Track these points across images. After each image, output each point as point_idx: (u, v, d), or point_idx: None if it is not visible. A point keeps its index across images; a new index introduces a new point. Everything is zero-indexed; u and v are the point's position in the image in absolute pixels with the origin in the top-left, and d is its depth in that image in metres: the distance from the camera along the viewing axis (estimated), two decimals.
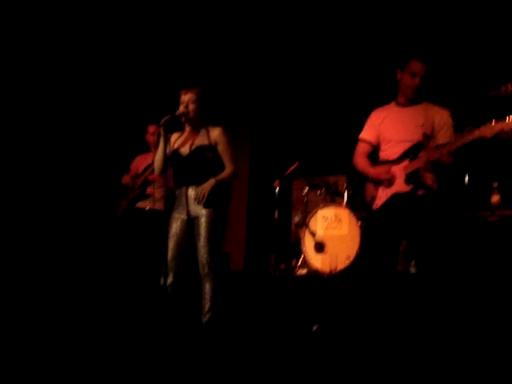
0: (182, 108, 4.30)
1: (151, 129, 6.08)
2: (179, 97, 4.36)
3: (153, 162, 5.78)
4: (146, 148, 6.18)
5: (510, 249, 4.94)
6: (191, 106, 4.31)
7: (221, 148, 4.33)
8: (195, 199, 4.23)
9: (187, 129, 4.46)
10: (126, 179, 6.05)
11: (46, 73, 6.61)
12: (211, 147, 4.31)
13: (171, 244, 4.28)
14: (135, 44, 6.94)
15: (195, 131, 4.40)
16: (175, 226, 4.32)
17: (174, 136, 4.48)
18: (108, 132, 7.19)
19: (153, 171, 5.77)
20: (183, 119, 4.33)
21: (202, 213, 4.23)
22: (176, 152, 4.35)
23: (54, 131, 6.71)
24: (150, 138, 6.08)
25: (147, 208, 5.89)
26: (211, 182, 4.23)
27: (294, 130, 8.17)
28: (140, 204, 5.93)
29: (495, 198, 5.41)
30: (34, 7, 6.08)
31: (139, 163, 6.13)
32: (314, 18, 6.56)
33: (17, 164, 6.37)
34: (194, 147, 4.32)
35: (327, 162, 7.63)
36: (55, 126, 6.73)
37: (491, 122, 3.56)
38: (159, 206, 5.88)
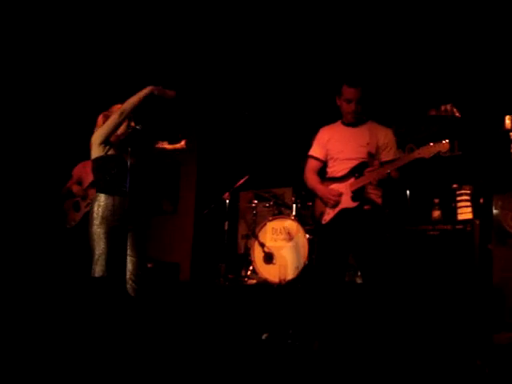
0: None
1: None
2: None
3: None
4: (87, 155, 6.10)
5: (449, 260, 5.19)
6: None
7: None
8: None
9: None
10: (76, 189, 5.85)
11: None
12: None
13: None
14: (85, 50, 6.87)
15: None
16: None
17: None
18: (49, 135, 7.07)
19: None
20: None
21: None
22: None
23: None
24: None
25: None
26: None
27: (241, 142, 8.30)
28: None
29: (436, 213, 5.68)
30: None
31: (82, 171, 5.92)
32: (261, 33, 6.64)
33: None
34: None
35: (274, 175, 7.81)
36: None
37: (429, 144, 3.86)
38: None
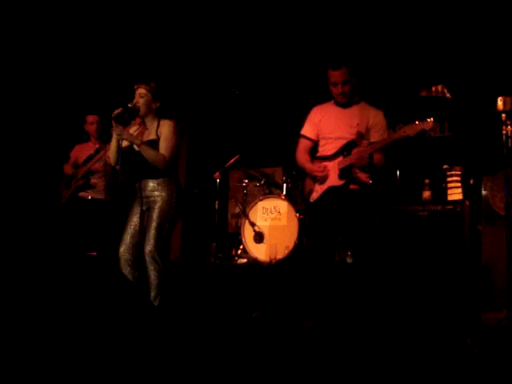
0: (134, 101, 4.37)
1: (90, 118, 6.07)
2: (134, 91, 4.43)
3: (94, 152, 5.86)
4: (85, 137, 6.17)
5: (439, 241, 5.24)
6: (141, 101, 4.38)
7: (162, 137, 4.36)
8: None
9: (142, 123, 4.52)
10: (67, 168, 6.00)
11: None
12: (157, 142, 4.36)
13: (125, 236, 4.36)
14: (77, 34, 6.84)
15: (148, 126, 4.48)
16: (132, 219, 4.40)
17: (132, 129, 4.53)
18: (46, 121, 7.09)
19: (96, 161, 5.83)
20: (136, 111, 4.39)
21: (155, 205, 4.32)
22: (130, 146, 4.41)
23: None
24: (90, 128, 6.07)
25: (89, 197, 5.90)
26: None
27: (231, 122, 8.30)
28: (82, 194, 5.92)
29: (426, 194, 5.71)
30: None
31: (78, 152, 6.11)
32: (252, 13, 6.61)
33: None
34: (144, 142, 4.38)
35: (264, 154, 7.81)
36: None
37: (414, 123, 3.88)
38: (101, 195, 5.91)
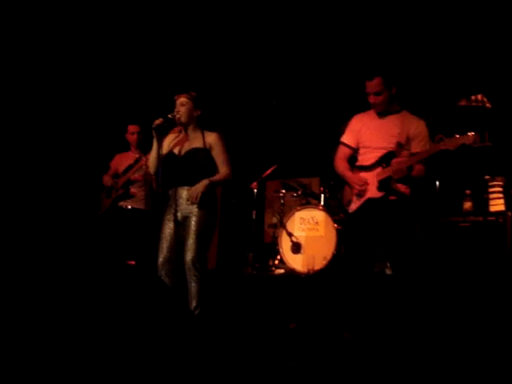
0: (175, 111, 4.42)
1: (131, 128, 6.12)
2: (174, 101, 4.47)
3: (134, 162, 5.90)
4: (126, 147, 6.23)
5: (481, 252, 5.15)
6: (182, 109, 4.42)
7: (215, 152, 4.44)
8: (188, 199, 4.33)
9: (183, 131, 4.56)
10: (106, 179, 6.05)
11: (25, 71, 6.57)
12: (205, 150, 4.41)
13: (163, 246, 4.37)
14: (116, 45, 6.94)
15: (190, 134, 4.51)
16: (167, 229, 4.40)
17: (170, 137, 4.58)
18: (87, 131, 7.18)
19: (136, 171, 5.88)
20: (177, 122, 4.43)
21: (192, 213, 4.33)
22: (170, 153, 4.45)
23: (33, 130, 6.67)
24: (130, 138, 6.13)
25: (129, 207, 5.94)
26: (205, 182, 4.32)
27: (269, 132, 8.29)
28: (122, 203, 5.96)
29: (467, 205, 5.63)
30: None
31: (118, 162, 6.16)
32: (289, 21, 6.63)
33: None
34: (187, 149, 4.43)
35: (301, 165, 7.79)
36: (35, 126, 6.69)
37: (455, 136, 3.83)
38: (141, 205, 5.95)
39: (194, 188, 4.31)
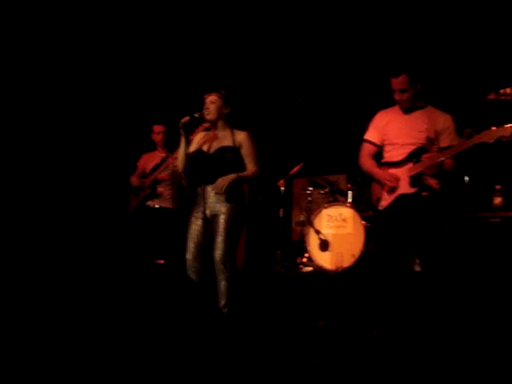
0: (204, 109, 4.44)
1: (157, 128, 6.15)
2: (203, 99, 4.49)
3: (161, 161, 5.94)
4: (152, 147, 6.27)
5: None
6: (212, 107, 4.44)
7: (244, 151, 4.44)
8: (213, 189, 4.33)
9: (212, 130, 4.57)
10: (134, 179, 6.09)
11: (54, 73, 6.65)
12: (234, 149, 4.41)
13: (191, 244, 4.37)
14: (142, 45, 6.98)
15: (219, 132, 4.52)
16: (194, 227, 4.39)
17: (199, 135, 4.61)
18: (114, 131, 7.24)
19: (163, 170, 5.91)
20: (205, 120, 4.45)
21: (220, 210, 4.34)
22: (199, 151, 4.47)
23: (61, 131, 6.76)
24: (156, 137, 6.16)
25: (156, 206, 5.98)
26: (232, 175, 4.32)
27: (294, 129, 8.27)
28: (149, 202, 5.99)
29: (498, 200, 5.55)
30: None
31: (145, 162, 6.20)
32: (315, 18, 6.61)
33: (26, 165, 6.42)
34: (216, 147, 4.44)
35: (327, 162, 7.76)
36: (62, 127, 6.78)
37: (491, 128, 3.75)
38: (168, 204, 5.98)
39: (220, 179, 4.31)
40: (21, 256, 5.95)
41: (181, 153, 4.46)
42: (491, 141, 3.75)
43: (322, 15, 6.46)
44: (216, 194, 4.32)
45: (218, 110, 4.45)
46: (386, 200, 4.22)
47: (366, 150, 4.43)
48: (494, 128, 3.75)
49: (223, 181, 4.30)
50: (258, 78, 7.86)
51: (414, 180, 4.09)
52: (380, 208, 4.26)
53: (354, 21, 6.51)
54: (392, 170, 4.21)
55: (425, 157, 4.05)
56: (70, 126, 6.86)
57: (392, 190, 4.16)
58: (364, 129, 4.53)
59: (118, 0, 6.27)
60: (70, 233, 6.54)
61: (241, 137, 4.46)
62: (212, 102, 4.44)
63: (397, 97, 4.18)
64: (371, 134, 4.42)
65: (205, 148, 4.49)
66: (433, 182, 4.13)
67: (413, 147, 4.13)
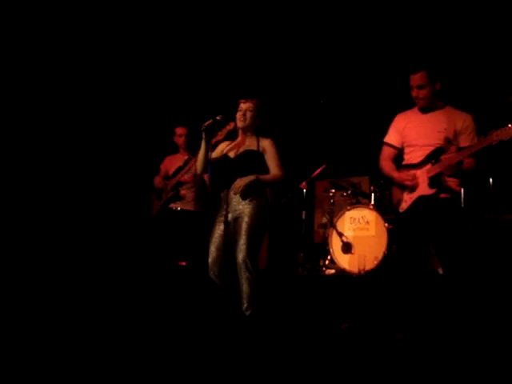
0: (238, 115, 4.49)
1: (179, 131, 6.18)
2: (237, 105, 4.54)
3: (183, 163, 5.97)
4: (175, 149, 6.30)
5: None
6: (248, 115, 4.49)
7: (268, 156, 4.48)
8: (231, 189, 4.37)
9: (240, 136, 4.62)
10: (157, 181, 6.15)
11: (76, 77, 6.71)
12: (258, 153, 4.45)
13: (213, 247, 4.41)
14: (167, 49, 7.04)
15: (247, 139, 4.57)
16: (217, 230, 4.43)
17: (225, 143, 4.66)
18: (138, 134, 7.30)
19: (185, 173, 5.94)
20: (239, 126, 4.52)
21: (243, 213, 4.36)
22: (224, 156, 4.53)
23: (83, 134, 6.82)
24: (179, 140, 6.20)
25: (179, 208, 6.00)
26: (252, 176, 4.36)
27: (317, 131, 8.27)
28: (172, 205, 6.02)
29: None
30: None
31: (168, 164, 6.24)
32: (337, 22, 6.61)
33: (47, 166, 6.48)
34: (241, 151, 4.48)
35: (350, 163, 7.75)
36: (84, 129, 6.84)
37: (507, 126, 3.72)
38: (190, 206, 6.01)
39: (238, 179, 4.35)
40: (43, 257, 6.00)
41: (200, 155, 4.50)
42: (507, 138, 3.73)
43: (344, 18, 6.46)
44: (234, 194, 4.35)
45: (252, 119, 4.53)
46: (405, 202, 4.21)
47: (386, 153, 4.44)
48: (510, 125, 3.72)
49: (241, 181, 4.34)
50: (281, 80, 7.87)
51: (433, 181, 4.07)
52: (401, 211, 4.25)
53: (376, 22, 6.49)
54: (412, 172, 4.20)
55: (443, 157, 4.03)
56: (95, 129, 6.92)
57: (412, 189, 4.15)
58: (386, 130, 4.52)
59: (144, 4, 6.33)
60: (93, 234, 6.58)
61: (265, 143, 4.51)
62: (249, 110, 4.50)
63: (414, 93, 4.18)
64: (391, 137, 4.42)
65: (231, 153, 4.55)
66: (452, 183, 4.11)
67: (431, 148, 4.12)
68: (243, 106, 4.51)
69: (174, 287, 4.12)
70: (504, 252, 5.20)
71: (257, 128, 4.59)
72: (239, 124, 4.50)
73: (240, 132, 4.61)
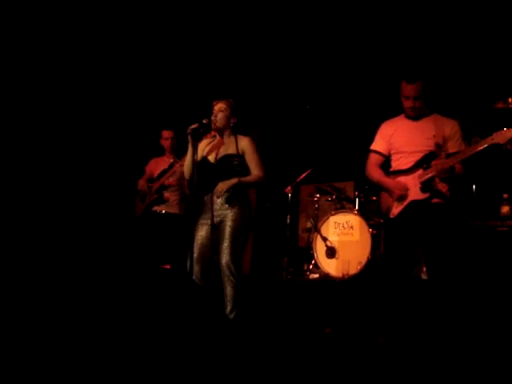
0: (212, 117, 4.46)
1: (165, 134, 6.17)
2: (211, 106, 4.51)
3: (168, 167, 5.95)
4: (161, 151, 6.28)
5: None
6: (220, 115, 4.47)
7: (248, 156, 4.46)
8: (214, 193, 4.36)
9: (217, 137, 4.60)
10: (141, 184, 6.12)
11: (63, 78, 6.68)
12: (238, 156, 4.44)
13: (197, 251, 4.39)
14: (152, 51, 7.02)
15: (225, 140, 4.55)
16: (201, 233, 4.42)
17: (204, 143, 4.63)
18: (123, 135, 7.27)
19: (170, 176, 5.92)
20: (212, 127, 4.48)
21: (226, 217, 4.35)
22: (204, 159, 4.50)
23: (69, 136, 6.78)
24: (164, 143, 6.18)
25: (163, 211, 5.99)
26: (234, 180, 4.36)
27: (302, 136, 8.28)
28: (156, 208, 6.01)
29: (505, 209, 5.55)
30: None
31: (153, 166, 6.22)
32: (324, 26, 6.62)
33: (32, 168, 6.44)
34: (221, 155, 4.46)
35: (335, 169, 7.76)
36: (70, 131, 6.80)
37: (503, 130, 3.74)
38: (174, 209, 5.99)
39: (220, 183, 4.35)
40: (26, 259, 5.96)
41: (188, 160, 4.49)
42: (504, 141, 3.74)
43: (332, 23, 6.47)
44: (217, 197, 4.35)
45: (226, 119, 4.50)
46: (396, 208, 4.21)
47: (373, 161, 4.44)
48: (505, 129, 3.74)
49: (223, 185, 4.34)
50: (267, 84, 7.88)
51: (425, 186, 4.09)
52: (391, 216, 4.24)
53: (363, 29, 6.51)
54: (401, 178, 4.21)
55: (435, 163, 4.05)
56: (79, 130, 6.88)
57: (400, 198, 4.16)
58: (372, 136, 4.53)
59: (124, 5, 6.29)
60: (76, 236, 6.54)
61: (244, 143, 4.49)
62: (221, 111, 4.48)
63: (409, 104, 4.17)
64: (378, 144, 4.43)
65: (210, 156, 4.53)
66: (443, 189, 4.13)
67: (421, 154, 4.14)
68: (215, 107, 4.51)
69: (158, 290, 4.10)
70: (486, 258, 5.23)
71: (234, 127, 4.57)
72: (212, 126, 4.48)
73: (217, 133, 4.60)
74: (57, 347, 2.98)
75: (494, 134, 3.79)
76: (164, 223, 5.95)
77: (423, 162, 4.12)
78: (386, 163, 4.43)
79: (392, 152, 4.35)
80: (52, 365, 2.85)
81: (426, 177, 4.08)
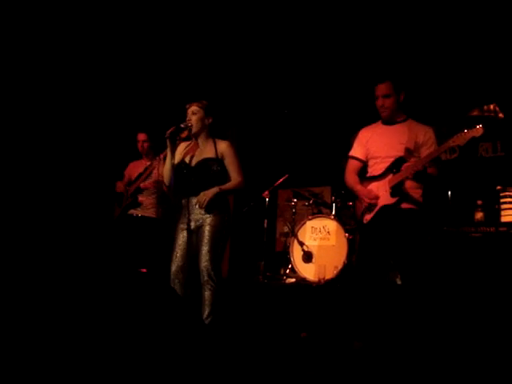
0: (186, 120, 4.45)
1: (140, 137, 6.11)
2: (185, 109, 4.51)
3: (145, 169, 5.92)
4: (140, 155, 6.25)
5: (492, 264, 5.13)
6: (194, 118, 4.45)
7: (227, 161, 4.45)
8: (196, 203, 4.36)
9: (193, 140, 4.59)
10: (119, 187, 6.07)
11: (40, 78, 6.64)
12: (217, 160, 4.43)
13: (176, 255, 4.37)
14: (128, 54, 7.00)
15: (202, 142, 4.54)
16: (180, 237, 4.40)
17: (182, 146, 4.62)
18: (102, 139, 7.24)
19: (145, 179, 5.89)
20: (189, 132, 4.47)
21: (205, 222, 4.35)
22: (182, 162, 4.48)
23: (48, 138, 6.74)
24: (139, 146, 6.12)
25: (139, 215, 5.95)
26: (215, 189, 4.35)
27: (280, 141, 8.31)
28: (132, 211, 5.96)
29: (479, 215, 5.62)
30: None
31: (132, 170, 6.17)
32: (301, 31, 6.65)
33: (13, 170, 6.40)
34: (199, 159, 4.45)
35: (312, 174, 7.81)
36: (50, 133, 6.76)
37: (463, 131, 3.81)
38: (150, 213, 5.95)
39: (202, 193, 4.34)
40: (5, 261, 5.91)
41: (167, 164, 4.47)
42: (463, 143, 3.81)
43: (308, 28, 6.50)
44: (199, 207, 4.34)
45: (199, 121, 4.47)
46: (369, 214, 4.26)
47: (351, 167, 4.49)
48: (465, 130, 3.80)
49: (205, 195, 4.33)
50: (245, 89, 7.89)
51: (394, 190, 4.13)
52: (365, 222, 4.29)
53: (339, 34, 6.55)
54: (374, 184, 4.26)
55: (404, 166, 4.10)
56: (59, 133, 6.85)
57: (370, 207, 4.21)
58: (349, 141, 4.58)
59: (100, 11, 6.27)
60: (55, 238, 6.50)
61: (223, 147, 4.48)
62: (194, 113, 4.46)
63: (379, 103, 4.24)
64: (356, 150, 4.48)
65: (188, 159, 4.51)
66: (415, 194, 4.17)
67: (393, 160, 4.19)
68: (188, 110, 4.49)
69: (134, 294, 4.09)
70: (460, 264, 5.28)
71: (211, 130, 4.57)
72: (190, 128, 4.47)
73: (193, 136, 4.58)
74: (29, 351, 2.96)
75: (455, 136, 3.85)
76: (140, 226, 5.90)
77: (393, 167, 4.17)
78: (365, 168, 4.48)
79: (368, 157, 4.40)
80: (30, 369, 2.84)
81: (396, 181, 4.13)
